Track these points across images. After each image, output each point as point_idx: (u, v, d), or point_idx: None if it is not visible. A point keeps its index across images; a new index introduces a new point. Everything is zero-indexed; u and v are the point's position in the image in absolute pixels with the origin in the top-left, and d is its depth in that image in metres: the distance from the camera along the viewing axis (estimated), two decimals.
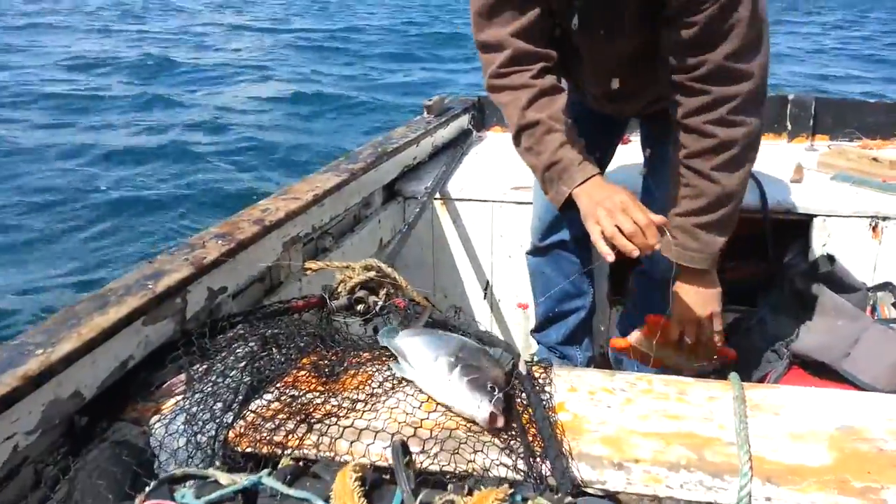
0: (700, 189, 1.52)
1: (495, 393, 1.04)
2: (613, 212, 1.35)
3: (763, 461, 0.98)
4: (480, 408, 1.03)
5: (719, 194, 1.51)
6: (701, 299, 1.61)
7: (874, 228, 2.22)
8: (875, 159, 2.49)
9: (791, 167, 2.45)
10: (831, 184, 2.41)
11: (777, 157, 2.59)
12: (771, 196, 2.24)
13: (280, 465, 0.77)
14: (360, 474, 0.69)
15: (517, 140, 1.56)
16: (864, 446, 1.01)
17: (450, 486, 0.70)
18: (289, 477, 0.71)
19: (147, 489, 0.69)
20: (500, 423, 1.02)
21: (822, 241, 2.26)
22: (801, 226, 2.28)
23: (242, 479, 0.69)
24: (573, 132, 1.51)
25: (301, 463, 0.94)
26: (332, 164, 2.10)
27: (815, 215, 2.25)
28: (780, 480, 0.94)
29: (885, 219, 2.20)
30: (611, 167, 2.12)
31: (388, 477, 0.72)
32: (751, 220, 2.21)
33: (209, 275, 1.39)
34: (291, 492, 0.68)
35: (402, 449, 0.74)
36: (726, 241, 1.58)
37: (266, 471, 0.71)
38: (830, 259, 2.12)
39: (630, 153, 2.10)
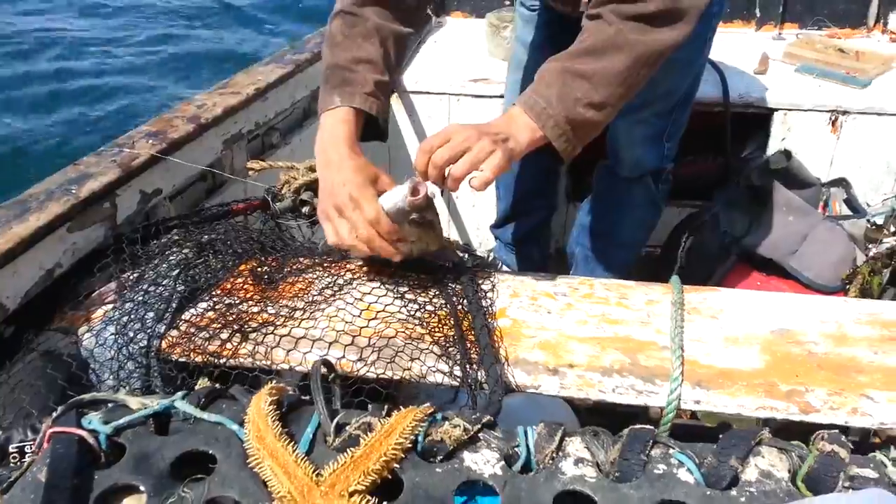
0: (587, 33, 1.18)
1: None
2: (341, 208, 1.11)
3: (696, 365, 0.99)
4: (404, 185, 1.04)
5: (611, 39, 1.14)
6: (497, 128, 1.12)
7: (833, 123, 2.19)
8: (841, 50, 2.43)
9: (757, 57, 2.39)
10: (795, 76, 2.35)
11: (743, 47, 2.51)
12: (733, 88, 2.19)
13: (196, 388, 0.75)
14: (275, 397, 0.68)
15: (330, 24, 1.30)
16: (795, 349, 1.02)
17: (369, 407, 0.69)
18: (203, 400, 0.69)
19: (53, 415, 0.67)
20: (423, 190, 1.03)
21: (781, 136, 2.24)
22: (761, 119, 2.25)
23: (154, 403, 0.67)
24: (386, 49, 1.26)
25: (233, 374, 0.93)
26: (275, 54, 1.98)
27: (776, 109, 2.21)
28: (710, 384, 0.96)
29: (844, 113, 2.17)
30: None
31: (307, 398, 0.71)
32: (710, 114, 2.16)
33: (140, 177, 1.32)
34: (205, 416, 0.67)
35: (327, 368, 0.72)
36: (591, 128, 1.17)
37: (180, 394, 0.70)
38: (787, 154, 2.11)
39: None
